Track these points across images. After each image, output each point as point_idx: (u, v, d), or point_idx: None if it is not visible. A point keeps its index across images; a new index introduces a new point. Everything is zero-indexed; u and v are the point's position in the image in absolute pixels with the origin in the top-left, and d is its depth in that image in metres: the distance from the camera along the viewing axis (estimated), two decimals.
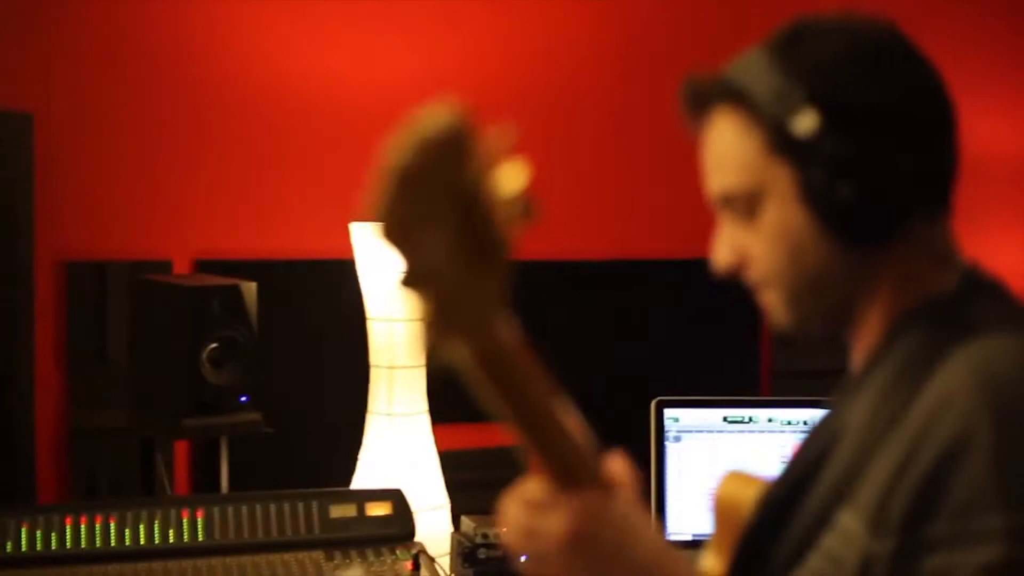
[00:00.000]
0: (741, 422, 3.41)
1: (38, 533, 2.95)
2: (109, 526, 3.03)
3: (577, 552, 1.22)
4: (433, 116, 1.08)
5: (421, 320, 1.10)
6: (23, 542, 2.93)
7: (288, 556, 3.00)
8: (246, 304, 3.33)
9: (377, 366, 3.95)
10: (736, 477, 1.55)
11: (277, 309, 4.09)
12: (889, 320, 1.36)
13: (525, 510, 1.24)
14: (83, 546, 2.97)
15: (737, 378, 4.65)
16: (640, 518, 1.26)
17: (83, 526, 3.01)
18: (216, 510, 3.15)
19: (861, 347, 1.40)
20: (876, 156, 1.29)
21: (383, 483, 3.53)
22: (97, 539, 2.99)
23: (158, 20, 4.36)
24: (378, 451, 3.81)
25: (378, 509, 3.14)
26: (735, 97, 1.35)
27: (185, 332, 3.30)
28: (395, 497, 3.20)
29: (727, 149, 1.37)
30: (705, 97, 1.39)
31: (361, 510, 3.13)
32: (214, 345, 3.29)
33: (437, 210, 1.06)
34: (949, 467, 1.18)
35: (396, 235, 1.07)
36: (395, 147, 1.08)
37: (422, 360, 4.10)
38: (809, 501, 1.30)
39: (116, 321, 4.29)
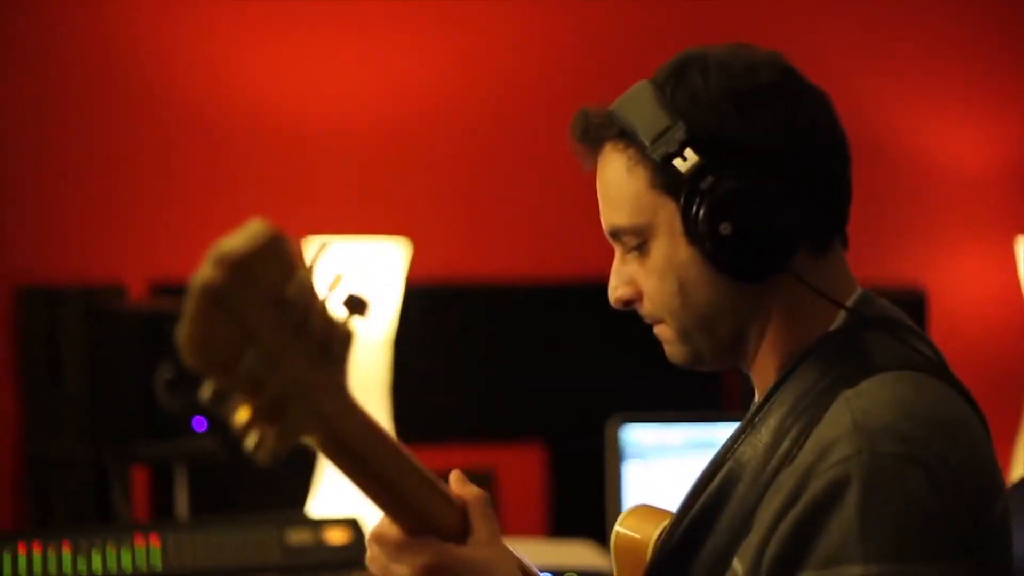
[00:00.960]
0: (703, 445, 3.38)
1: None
2: (63, 554, 2.97)
3: None
4: (240, 234, 1.08)
5: (243, 427, 1.10)
6: None
7: None
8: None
9: None
10: (637, 512, 1.54)
11: None
12: (782, 356, 1.36)
13: (382, 550, 1.29)
14: (37, 574, 2.92)
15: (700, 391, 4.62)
16: (495, 563, 1.29)
17: (36, 554, 2.95)
18: (171, 536, 3.09)
19: (759, 381, 1.40)
20: (756, 194, 1.29)
21: (342, 509, 3.49)
22: (51, 566, 2.94)
23: (112, 40, 4.32)
24: (336, 476, 3.76)
25: (337, 536, 3.11)
26: (620, 134, 1.36)
27: (139, 359, 3.27)
28: (353, 525, 3.17)
29: (615, 186, 1.37)
30: (592, 133, 1.39)
31: (319, 537, 3.10)
32: (169, 371, 3.25)
33: (259, 326, 1.07)
34: (819, 516, 1.20)
35: (211, 359, 1.06)
36: (202, 268, 1.06)
37: (384, 381, 4.07)
38: (709, 543, 1.31)
39: (71, 347, 4.22)
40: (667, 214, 1.34)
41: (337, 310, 1.15)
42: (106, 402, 3.71)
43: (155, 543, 3.06)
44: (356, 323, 1.16)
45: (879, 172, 4.84)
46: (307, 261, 1.12)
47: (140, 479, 4.35)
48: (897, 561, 1.18)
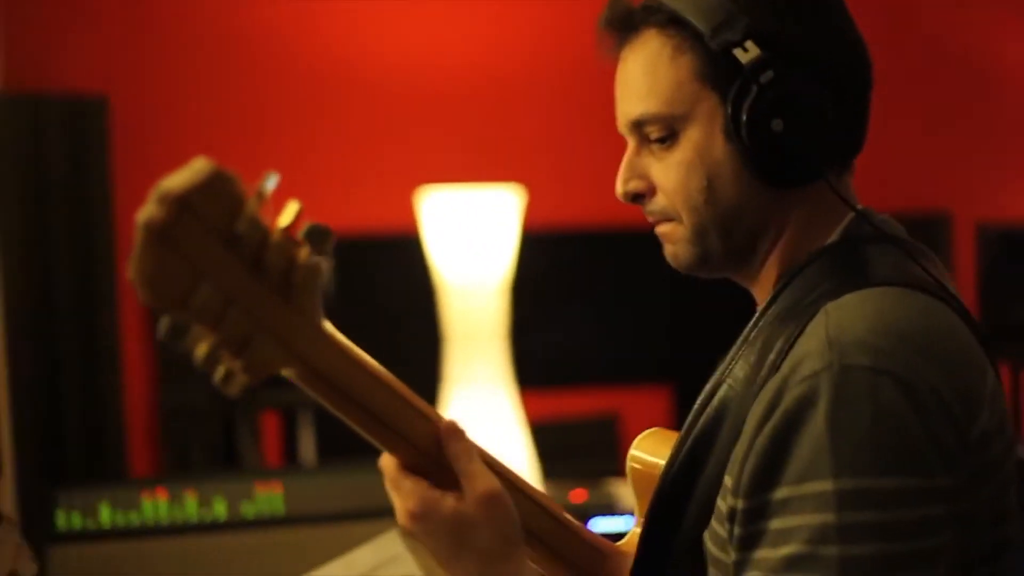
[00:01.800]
0: None
1: (127, 506, 2.99)
2: (188, 501, 3.06)
3: (417, 532, 1.26)
4: (183, 172, 1.06)
5: (204, 360, 1.09)
6: (114, 515, 2.98)
7: (367, 525, 3.00)
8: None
9: (454, 336, 3.94)
10: (652, 435, 1.50)
11: (348, 285, 4.10)
12: (784, 267, 1.33)
13: (386, 481, 1.27)
14: (170, 519, 3.01)
15: None
16: (482, 523, 1.25)
17: (162, 501, 3.04)
18: (293, 482, 3.16)
19: (759, 294, 1.37)
20: (810, 100, 1.26)
21: None
22: (177, 513, 3.03)
23: (227, 4, 4.39)
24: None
25: None
26: (669, 20, 1.31)
27: None
28: None
29: (651, 72, 1.32)
30: (633, 19, 1.34)
31: None
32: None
33: (209, 260, 1.06)
34: (791, 432, 1.17)
35: (162, 295, 1.05)
36: (144, 206, 1.05)
37: (503, 327, 4.10)
38: (710, 462, 1.28)
39: None
40: (708, 107, 1.29)
41: (298, 241, 1.13)
42: None
43: (277, 489, 3.12)
44: (320, 255, 1.14)
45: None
46: (256, 195, 1.10)
47: (271, 426, 4.45)
48: (867, 475, 1.15)
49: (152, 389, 4.39)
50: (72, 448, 4.03)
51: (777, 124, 1.25)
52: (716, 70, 1.28)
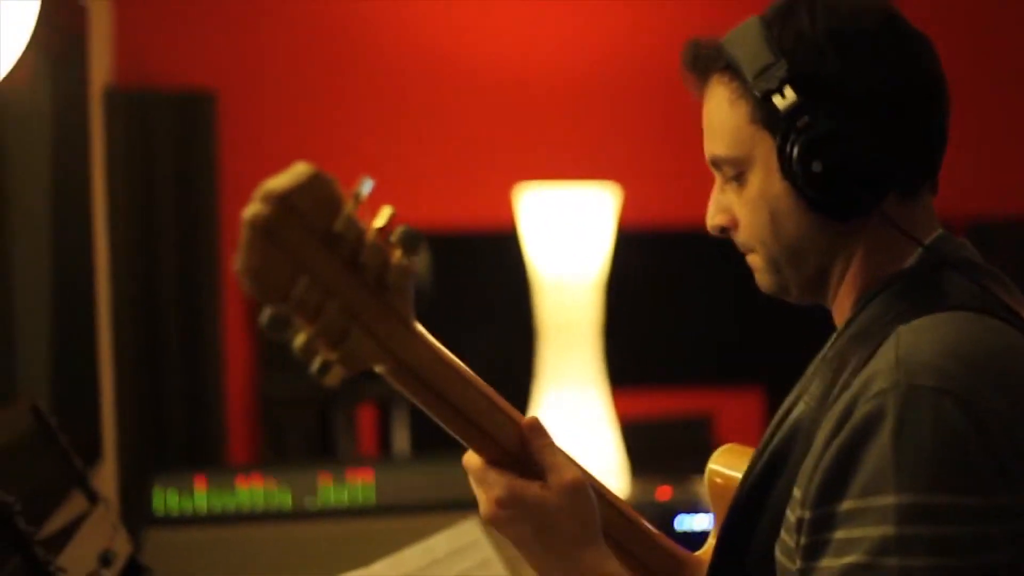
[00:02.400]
0: None
1: (224, 491, 3.04)
2: (280, 488, 3.10)
3: (502, 521, 1.31)
4: (285, 174, 1.14)
5: (302, 350, 1.15)
6: (210, 499, 3.03)
7: (456, 516, 3.03)
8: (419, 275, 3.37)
9: (548, 333, 3.95)
10: (729, 450, 1.55)
11: (446, 280, 4.12)
12: (860, 293, 1.38)
13: (471, 478, 1.33)
14: (265, 505, 3.06)
15: None
16: (568, 513, 1.31)
17: (258, 488, 3.09)
18: (384, 472, 3.20)
19: (838, 316, 1.42)
20: (851, 137, 1.31)
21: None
22: (272, 500, 3.07)
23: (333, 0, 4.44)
24: (549, 416, 3.82)
25: None
26: (726, 67, 1.38)
27: None
28: None
29: (719, 117, 1.39)
30: (703, 64, 1.41)
31: None
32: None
33: (310, 257, 1.13)
34: (858, 448, 1.22)
35: (267, 287, 1.12)
36: (250, 205, 1.13)
37: (597, 324, 4.11)
38: (784, 475, 1.32)
39: None
40: (764, 148, 1.35)
41: (392, 244, 1.19)
42: None
43: (369, 478, 3.16)
44: (412, 257, 1.19)
45: None
46: (353, 197, 1.16)
47: (367, 418, 4.49)
48: (929, 492, 1.18)
49: (253, 379, 4.45)
50: (172, 434, 4.11)
51: (817, 166, 1.30)
52: (764, 115, 1.34)
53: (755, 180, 1.37)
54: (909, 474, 1.18)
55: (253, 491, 3.10)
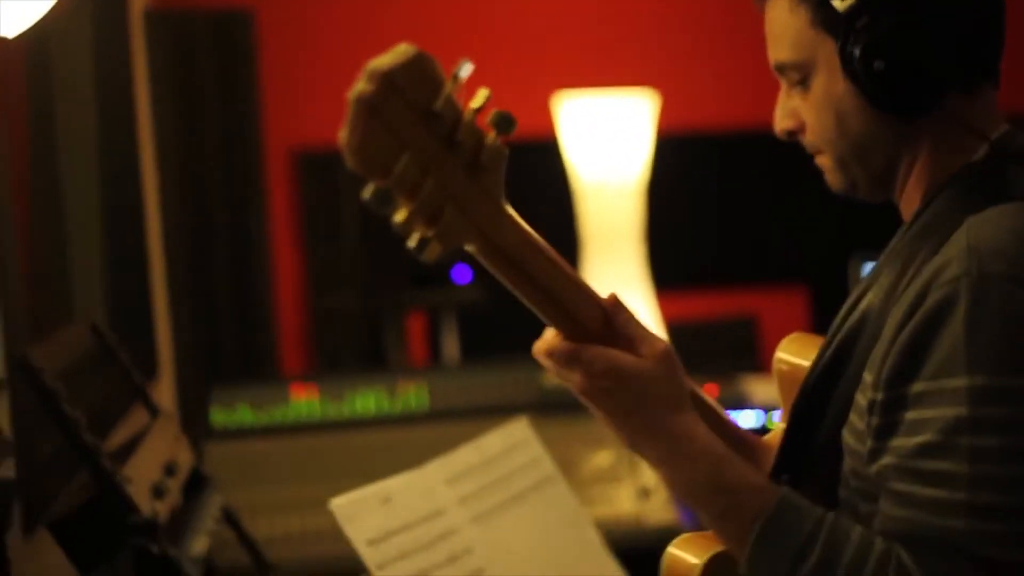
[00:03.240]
0: None
1: (278, 403, 3.09)
2: (336, 397, 3.14)
3: (601, 394, 1.32)
4: (390, 54, 1.17)
5: (402, 226, 1.19)
6: (266, 412, 3.08)
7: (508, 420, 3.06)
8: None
9: (591, 239, 3.96)
10: (797, 339, 1.57)
11: None
12: (928, 186, 1.40)
13: (553, 362, 1.33)
14: (322, 415, 3.10)
15: None
16: (660, 382, 1.33)
17: (314, 399, 3.13)
18: (435, 380, 3.22)
19: (906, 210, 1.44)
20: (909, 33, 1.34)
21: None
22: (329, 410, 3.11)
23: None
24: None
25: None
26: None
27: None
28: None
29: (780, 24, 1.42)
30: None
31: None
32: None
33: (410, 134, 1.17)
34: (931, 332, 1.26)
35: (370, 163, 1.16)
36: (357, 84, 1.16)
37: (640, 229, 4.11)
38: (852, 364, 1.36)
39: (346, 208, 4.41)
40: (826, 51, 1.38)
41: (485, 126, 1.21)
42: (378, 258, 3.85)
43: (423, 386, 3.19)
44: (503, 138, 1.22)
45: None
46: (452, 78, 1.19)
47: (417, 327, 4.53)
48: (999, 374, 1.23)
49: (303, 294, 4.49)
50: (227, 350, 4.15)
51: (879, 64, 1.33)
52: (824, 18, 1.37)
53: (819, 82, 1.40)
54: (981, 357, 1.23)
55: (308, 403, 3.14)
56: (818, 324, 4.65)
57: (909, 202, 1.42)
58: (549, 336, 1.33)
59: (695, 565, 1.42)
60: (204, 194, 4.14)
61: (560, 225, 4.20)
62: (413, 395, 3.18)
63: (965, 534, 1.22)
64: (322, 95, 4.39)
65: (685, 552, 1.46)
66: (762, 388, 3.42)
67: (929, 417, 1.25)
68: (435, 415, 3.15)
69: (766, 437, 1.54)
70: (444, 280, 3.87)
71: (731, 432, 1.47)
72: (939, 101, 1.35)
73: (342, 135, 1.16)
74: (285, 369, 4.38)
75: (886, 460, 1.27)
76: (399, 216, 1.18)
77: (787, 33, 1.41)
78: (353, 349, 4.45)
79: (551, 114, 4.10)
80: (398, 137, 1.17)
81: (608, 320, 1.34)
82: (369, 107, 1.15)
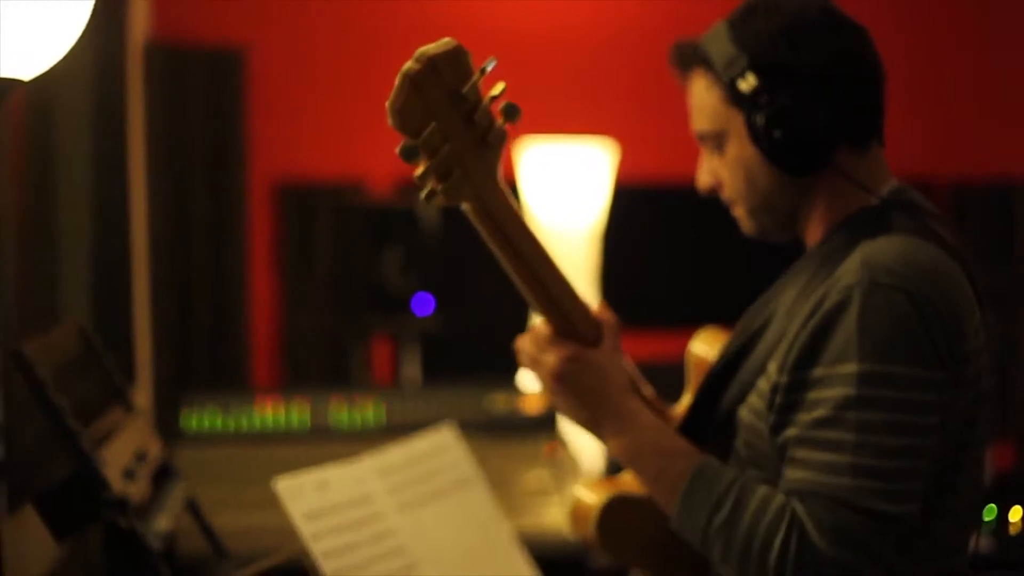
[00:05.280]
0: None
1: (244, 412, 3.22)
2: (299, 409, 3.28)
3: (563, 384, 1.64)
4: (437, 43, 1.46)
5: (419, 178, 1.48)
6: (233, 420, 3.21)
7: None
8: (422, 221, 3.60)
9: None
10: (708, 332, 1.85)
11: (450, 230, 4.28)
12: (827, 226, 1.67)
13: (533, 342, 1.65)
14: (287, 426, 3.24)
15: None
16: (614, 370, 1.65)
17: (279, 410, 3.26)
18: (390, 399, 3.36)
19: (809, 244, 1.69)
20: (800, 108, 1.59)
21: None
22: (292, 420, 3.24)
23: None
24: None
25: (533, 403, 3.32)
26: (702, 61, 1.67)
27: (376, 247, 3.60)
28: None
29: (699, 99, 1.68)
30: (685, 61, 1.71)
31: (513, 404, 3.32)
32: (399, 258, 3.58)
33: (440, 108, 1.46)
34: (829, 327, 1.52)
35: (406, 123, 1.45)
36: (408, 63, 1.45)
37: (594, 271, 4.26)
38: (752, 356, 1.64)
39: (320, 237, 4.58)
40: (737, 123, 1.64)
41: (497, 112, 1.49)
42: (348, 285, 4.00)
43: (381, 403, 3.33)
44: (510, 124, 1.49)
45: None
46: (479, 70, 1.46)
47: (383, 351, 4.67)
48: (883, 362, 1.49)
49: (277, 314, 4.63)
50: (201, 362, 4.31)
51: (778, 133, 1.59)
52: (733, 97, 1.63)
53: (732, 148, 1.65)
54: (869, 349, 1.49)
55: (274, 413, 3.28)
56: None
57: (812, 236, 1.68)
58: (539, 323, 1.62)
59: (594, 505, 1.71)
60: (189, 218, 4.30)
61: None
62: (371, 411, 3.33)
63: (850, 490, 1.47)
64: (305, 133, 4.58)
65: (589, 492, 1.73)
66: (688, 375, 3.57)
67: (825, 396, 1.50)
68: (390, 430, 3.28)
69: (671, 411, 1.78)
70: (405, 309, 4.02)
71: (655, 407, 1.74)
72: (829, 159, 1.62)
73: (389, 99, 1.44)
74: (255, 381, 4.52)
75: (789, 432, 1.53)
76: (418, 171, 1.47)
77: (705, 107, 1.68)
78: (320, 367, 4.61)
79: (511, 160, 4.25)
80: (430, 109, 1.46)
81: (599, 326, 1.63)
82: (413, 81, 1.44)
